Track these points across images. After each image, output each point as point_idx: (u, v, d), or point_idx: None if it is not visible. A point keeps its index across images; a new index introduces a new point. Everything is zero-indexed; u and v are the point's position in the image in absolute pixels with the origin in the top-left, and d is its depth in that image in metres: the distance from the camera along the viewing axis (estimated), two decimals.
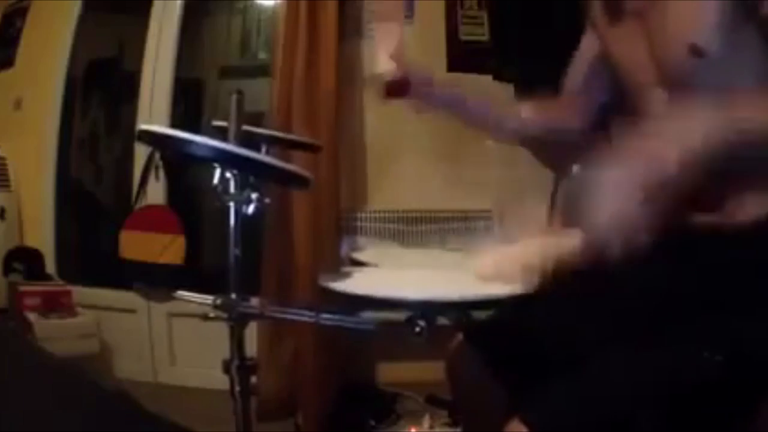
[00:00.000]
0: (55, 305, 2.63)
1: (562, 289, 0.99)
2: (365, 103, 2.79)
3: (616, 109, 1.16)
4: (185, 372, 2.83)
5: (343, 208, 2.64)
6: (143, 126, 0.99)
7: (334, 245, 2.52)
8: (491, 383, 1.02)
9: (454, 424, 2.14)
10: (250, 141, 1.23)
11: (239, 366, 1.07)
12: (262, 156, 1.04)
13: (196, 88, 3.31)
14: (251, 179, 1.05)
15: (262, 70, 3.00)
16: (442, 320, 0.89)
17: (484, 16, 2.76)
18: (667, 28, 0.92)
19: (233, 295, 1.05)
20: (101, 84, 3.34)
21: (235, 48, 3.36)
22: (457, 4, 2.80)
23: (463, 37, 2.80)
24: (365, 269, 1.11)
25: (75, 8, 3.05)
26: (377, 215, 2.69)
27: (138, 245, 2.77)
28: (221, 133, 1.19)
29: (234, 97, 1.17)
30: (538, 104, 1.24)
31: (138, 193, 2.89)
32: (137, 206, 2.89)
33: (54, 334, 2.50)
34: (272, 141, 1.42)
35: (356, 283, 0.92)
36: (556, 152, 1.32)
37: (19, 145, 3.07)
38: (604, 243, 0.78)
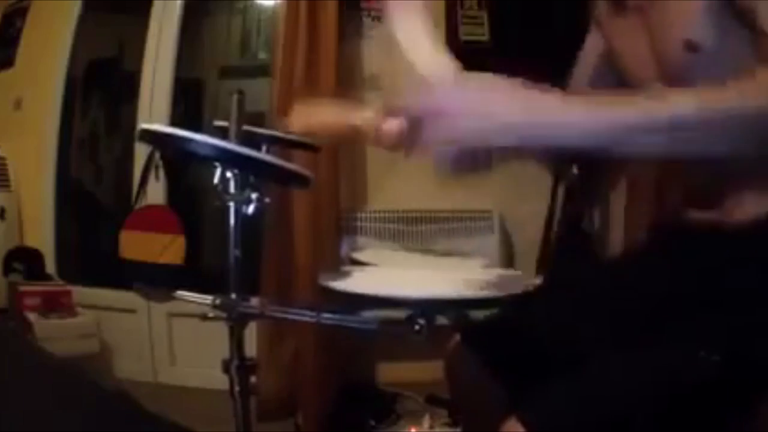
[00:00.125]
0: (55, 305, 2.63)
1: (560, 289, 0.99)
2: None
3: None
4: (185, 372, 2.83)
5: (343, 208, 2.64)
6: (144, 125, 0.99)
7: (334, 245, 2.52)
8: (489, 383, 1.02)
9: (454, 424, 2.14)
10: (250, 141, 1.23)
11: (239, 366, 1.07)
12: (262, 155, 1.04)
13: (196, 88, 3.31)
14: (251, 179, 1.05)
15: (262, 70, 3.00)
16: (442, 319, 0.89)
17: (484, 16, 2.76)
18: (664, 24, 0.93)
19: (233, 295, 1.05)
20: (101, 84, 3.34)
21: (235, 48, 3.36)
22: (457, 4, 2.80)
23: (463, 37, 2.80)
24: (365, 269, 1.11)
25: (75, 8, 3.05)
26: (377, 215, 2.69)
27: (138, 245, 2.77)
28: (222, 133, 1.19)
29: (235, 97, 1.17)
30: None
31: (138, 193, 2.89)
32: (137, 206, 2.89)
33: (54, 334, 2.50)
34: (272, 141, 1.42)
35: (356, 283, 0.92)
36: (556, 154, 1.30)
37: (19, 145, 3.07)
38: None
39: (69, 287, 2.76)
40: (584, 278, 1.07)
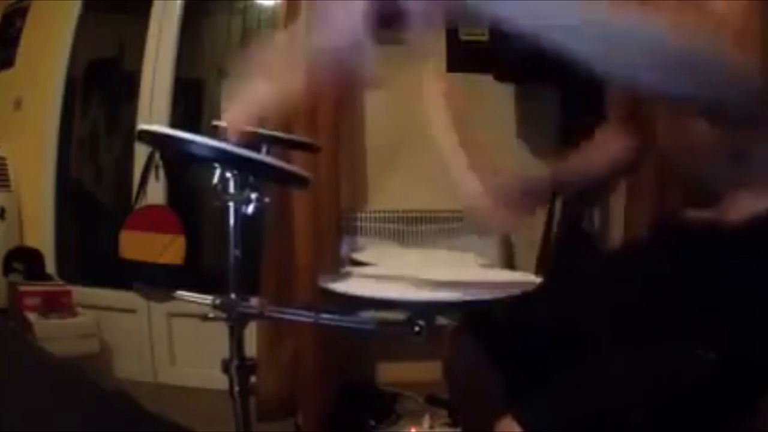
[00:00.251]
0: (55, 305, 2.63)
1: (559, 289, 0.99)
2: (365, 103, 2.79)
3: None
4: (185, 372, 2.83)
5: (343, 208, 2.64)
6: (143, 126, 0.99)
7: (334, 245, 2.52)
8: (487, 379, 1.02)
9: (454, 424, 2.15)
10: (249, 141, 1.23)
11: (239, 366, 1.07)
12: (262, 156, 1.04)
13: (196, 88, 3.31)
14: (251, 179, 1.05)
15: None
16: (441, 320, 0.89)
17: None
18: None
19: (233, 296, 1.05)
20: (101, 84, 3.34)
21: (235, 48, 3.36)
22: None
23: (463, 37, 2.80)
24: (365, 270, 1.11)
25: (75, 8, 3.06)
26: (377, 215, 2.69)
27: (138, 245, 2.77)
28: (221, 133, 1.19)
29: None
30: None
31: (138, 193, 2.90)
32: (137, 206, 2.89)
33: (54, 334, 2.50)
34: (272, 141, 1.42)
35: (356, 285, 0.92)
36: None
37: (19, 145, 3.07)
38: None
39: (69, 287, 2.76)
40: (583, 278, 1.07)
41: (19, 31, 3.15)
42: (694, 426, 0.83)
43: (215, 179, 1.03)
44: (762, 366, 0.84)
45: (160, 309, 2.87)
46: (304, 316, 0.99)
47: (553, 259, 2.40)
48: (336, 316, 0.91)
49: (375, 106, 2.80)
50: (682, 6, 0.74)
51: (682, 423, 0.82)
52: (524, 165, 2.44)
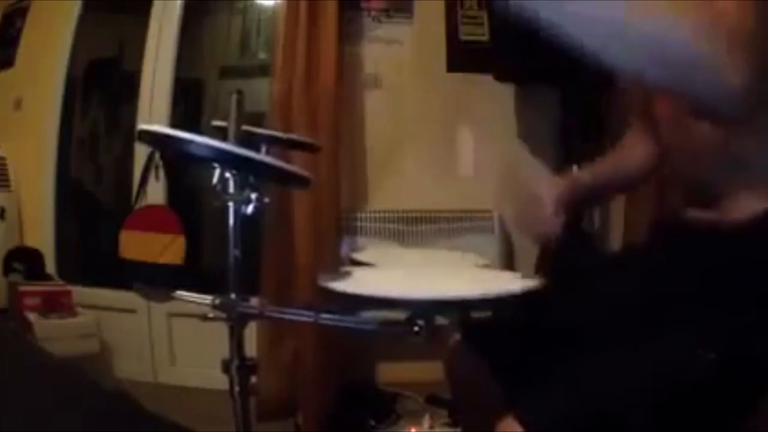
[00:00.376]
0: (55, 305, 2.63)
1: (559, 289, 0.99)
2: (365, 103, 2.80)
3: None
4: (185, 372, 2.83)
5: (343, 208, 2.64)
6: (143, 126, 0.99)
7: (334, 245, 2.52)
8: (488, 380, 1.02)
9: (454, 424, 2.15)
10: (249, 141, 1.23)
11: (239, 366, 1.07)
12: (261, 156, 1.04)
13: (196, 88, 3.31)
14: (251, 179, 1.05)
15: (262, 70, 3.00)
16: (441, 320, 0.89)
17: (484, 16, 2.76)
18: None
19: (233, 295, 1.04)
20: (101, 84, 3.34)
21: (235, 48, 3.36)
22: (457, 4, 2.80)
23: (463, 37, 2.80)
24: (365, 269, 1.11)
25: (75, 8, 3.05)
26: (377, 215, 2.69)
27: (138, 245, 2.77)
28: (221, 133, 1.19)
29: (234, 96, 1.17)
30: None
31: (138, 193, 2.89)
32: (137, 206, 2.89)
33: (54, 334, 2.50)
34: (272, 141, 1.42)
35: (355, 284, 0.92)
36: None
37: (19, 145, 3.07)
38: None
39: (69, 287, 2.76)
40: (583, 278, 1.07)
41: (19, 31, 3.14)
42: (694, 425, 0.83)
43: (215, 179, 1.03)
44: (762, 366, 0.84)
45: (160, 309, 2.86)
46: (304, 316, 0.99)
47: (553, 259, 2.40)
48: (336, 316, 0.91)
49: (375, 106, 2.80)
50: (687, 5, 0.76)
51: (683, 422, 0.82)
52: (524, 165, 2.44)
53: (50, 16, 3.11)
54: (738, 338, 0.83)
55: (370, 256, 1.23)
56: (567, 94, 2.63)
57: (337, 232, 2.57)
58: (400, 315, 0.83)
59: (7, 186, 3.03)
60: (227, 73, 3.36)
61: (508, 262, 2.72)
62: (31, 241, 3.02)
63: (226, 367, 1.07)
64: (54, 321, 2.57)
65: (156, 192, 2.90)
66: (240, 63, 3.33)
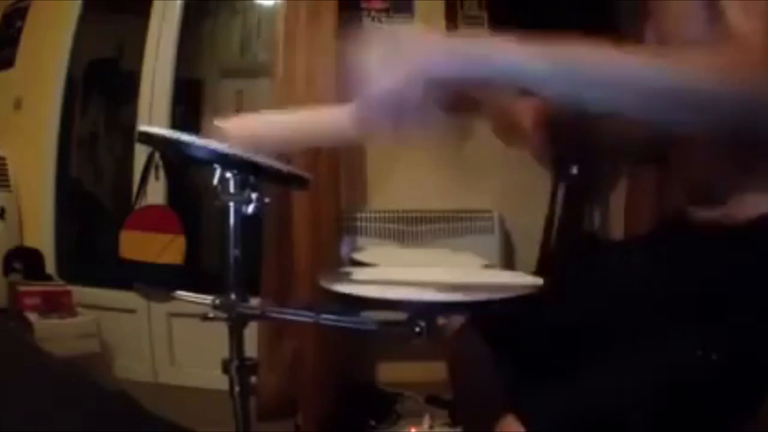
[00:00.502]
0: (55, 305, 2.63)
1: (560, 289, 0.99)
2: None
3: None
4: (185, 372, 2.83)
5: (343, 208, 2.64)
6: (143, 127, 0.99)
7: (334, 245, 2.52)
8: (491, 379, 1.02)
9: (454, 424, 2.14)
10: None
11: (239, 366, 1.07)
12: (261, 157, 1.04)
13: (196, 88, 3.31)
14: (251, 179, 1.05)
15: (262, 70, 3.00)
16: (442, 320, 0.89)
17: (484, 16, 2.76)
18: (669, 27, 0.93)
19: (233, 296, 1.04)
20: (101, 84, 3.34)
21: (235, 48, 3.36)
22: (457, 4, 2.80)
23: None
24: (365, 270, 1.11)
25: (75, 8, 3.05)
26: (377, 215, 2.69)
27: (138, 245, 2.77)
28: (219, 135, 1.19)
29: (234, 96, 1.17)
30: None
31: (138, 193, 2.90)
32: (137, 206, 2.89)
33: (54, 334, 2.50)
34: None
35: (356, 285, 0.92)
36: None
37: (19, 145, 3.07)
38: (372, 119, 0.79)
39: (69, 287, 2.76)
40: (584, 278, 1.07)
41: (19, 31, 3.14)
42: (695, 426, 0.83)
43: (215, 179, 1.03)
44: (763, 366, 0.84)
45: (160, 309, 2.86)
46: (305, 317, 0.99)
47: (553, 259, 2.40)
48: (336, 317, 0.91)
49: None
50: (712, 48, 0.76)
51: (683, 423, 0.82)
52: (524, 164, 2.44)
53: (50, 16, 3.11)
54: (740, 339, 0.83)
55: (370, 256, 1.23)
56: None
57: (337, 232, 2.57)
58: (400, 315, 0.83)
59: (7, 186, 3.03)
60: (227, 73, 3.36)
61: (509, 262, 2.72)
62: (31, 241, 3.02)
63: (226, 367, 1.07)
64: (54, 321, 2.57)
65: (156, 192, 2.90)
66: (240, 63, 3.33)
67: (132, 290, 2.68)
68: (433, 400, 2.36)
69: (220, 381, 1.10)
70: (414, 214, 2.68)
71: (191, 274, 2.73)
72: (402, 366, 2.63)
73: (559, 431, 0.81)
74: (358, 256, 1.21)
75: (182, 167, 2.92)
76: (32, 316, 2.55)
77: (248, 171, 1.04)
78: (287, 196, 2.47)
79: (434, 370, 1.50)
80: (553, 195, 2.55)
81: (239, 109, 2.96)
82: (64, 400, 1.14)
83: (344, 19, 2.64)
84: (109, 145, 3.40)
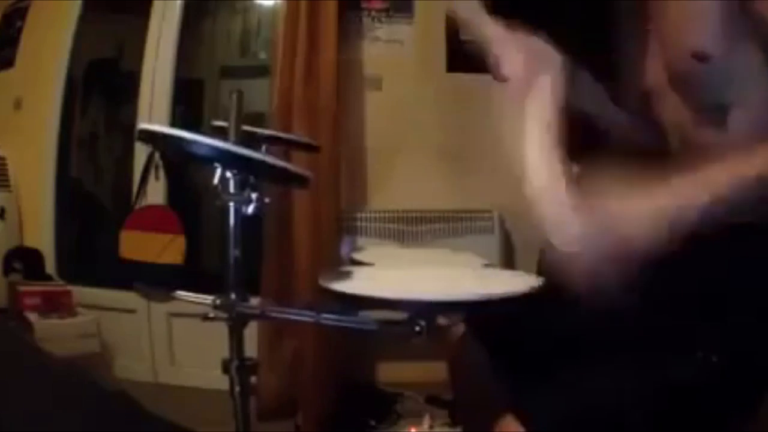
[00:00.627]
0: (55, 305, 2.63)
1: (560, 289, 0.99)
2: (365, 103, 2.80)
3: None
4: (185, 372, 2.83)
5: (343, 208, 2.64)
6: (143, 125, 0.99)
7: (334, 245, 2.52)
8: (491, 379, 1.02)
9: (454, 424, 2.14)
10: (250, 141, 1.23)
11: (239, 366, 1.07)
12: (261, 155, 1.04)
13: (196, 88, 3.31)
14: (251, 179, 1.05)
15: (262, 70, 3.00)
16: (442, 320, 0.89)
17: None
18: (673, 32, 0.92)
19: (233, 295, 1.04)
20: (101, 84, 3.34)
21: (235, 48, 3.36)
22: None
23: (463, 37, 2.80)
24: (365, 269, 1.11)
25: (75, 8, 3.05)
26: (377, 215, 2.69)
27: (138, 245, 2.77)
28: (221, 133, 1.19)
29: (234, 96, 1.17)
30: None
31: (138, 192, 2.89)
32: (137, 206, 2.89)
33: (54, 334, 2.50)
34: (272, 141, 1.42)
35: (356, 284, 0.92)
36: None
37: (19, 145, 3.07)
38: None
39: (69, 287, 2.76)
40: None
41: (19, 31, 3.14)
42: (695, 427, 0.83)
43: (216, 179, 1.03)
44: (763, 366, 0.84)
45: (160, 309, 2.86)
46: (305, 316, 0.99)
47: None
48: (337, 316, 0.91)
49: (375, 106, 2.80)
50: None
51: (684, 423, 0.82)
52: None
53: (50, 16, 3.11)
54: (740, 340, 0.83)
55: (370, 256, 1.22)
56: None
57: (337, 232, 2.57)
58: (400, 315, 0.83)
59: (7, 186, 3.02)
60: (227, 73, 3.36)
61: (509, 263, 2.72)
62: (31, 241, 3.02)
63: (226, 367, 1.07)
64: (54, 321, 2.57)
65: (156, 192, 2.90)
66: (240, 63, 3.33)
67: (132, 290, 2.67)
68: (433, 400, 2.35)
69: (220, 381, 1.10)
70: (414, 214, 2.68)
71: (191, 274, 2.73)
72: (402, 366, 2.63)
73: (559, 431, 0.81)
74: (358, 256, 1.21)
75: (182, 167, 2.92)
76: (32, 316, 2.55)
77: (248, 169, 1.03)
78: (287, 196, 2.47)
79: (434, 370, 1.50)
80: None
81: (239, 108, 2.95)
82: (64, 400, 1.14)
83: (344, 19, 2.64)
84: (109, 145, 3.40)
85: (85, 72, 3.23)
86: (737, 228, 0.90)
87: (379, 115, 2.80)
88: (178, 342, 2.90)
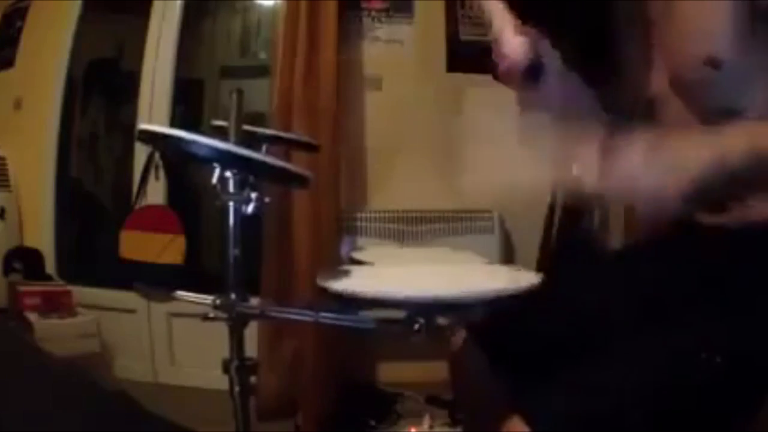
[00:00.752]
0: (55, 305, 2.63)
1: (560, 289, 0.99)
2: (365, 103, 2.80)
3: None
4: (185, 372, 2.83)
5: (343, 208, 2.64)
6: (144, 125, 0.99)
7: (334, 245, 2.52)
8: (493, 379, 1.02)
9: (454, 424, 2.14)
10: (250, 141, 1.23)
11: (239, 366, 1.07)
12: (262, 155, 1.04)
13: (196, 88, 3.31)
14: (251, 179, 1.05)
15: (262, 70, 3.00)
16: (442, 319, 0.89)
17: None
18: (681, 38, 0.90)
19: (233, 295, 1.04)
20: (101, 84, 3.34)
21: (235, 48, 3.36)
22: (457, 4, 2.80)
23: (463, 37, 2.80)
24: (364, 268, 1.11)
25: (75, 8, 3.05)
26: (377, 215, 2.69)
27: (138, 245, 2.77)
28: (221, 133, 1.19)
29: (234, 96, 1.17)
30: None
31: (138, 192, 2.89)
32: (137, 206, 2.89)
33: (54, 334, 2.50)
34: (272, 141, 1.42)
35: (355, 283, 0.92)
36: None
37: (19, 145, 3.07)
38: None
39: (69, 287, 2.76)
40: (585, 278, 1.07)
41: (19, 31, 3.14)
42: (699, 426, 0.82)
43: (215, 179, 1.03)
44: (764, 366, 0.84)
45: (160, 309, 2.86)
46: (305, 316, 0.99)
47: (553, 259, 2.40)
48: (336, 315, 0.91)
49: (375, 106, 2.80)
50: None
51: (688, 423, 0.82)
52: (525, 165, 2.43)
53: (50, 16, 3.11)
54: (744, 341, 0.83)
55: (370, 256, 1.22)
56: None
57: (337, 232, 2.57)
58: (400, 314, 0.83)
59: (7, 186, 3.02)
60: (227, 73, 3.36)
61: (509, 262, 2.72)
62: (31, 241, 3.02)
63: (226, 367, 1.07)
64: (54, 321, 2.57)
65: (156, 192, 2.90)
66: (240, 63, 3.33)
67: (132, 290, 2.68)
68: (433, 400, 2.35)
69: (220, 381, 1.10)
70: (414, 214, 2.68)
71: (191, 274, 2.73)
72: (402, 366, 2.63)
73: (563, 431, 0.81)
74: (358, 256, 1.21)
75: (182, 167, 2.92)
76: (32, 316, 2.55)
77: (248, 169, 1.03)
78: (287, 196, 2.47)
79: (434, 370, 1.50)
80: (553, 195, 2.55)
81: (239, 108, 2.95)
82: (64, 400, 1.14)
83: (344, 19, 2.64)
84: (109, 145, 3.40)
85: (85, 72, 3.23)
86: (740, 228, 0.90)
87: (379, 115, 2.80)
88: (178, 342, 2.90)
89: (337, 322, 0.92)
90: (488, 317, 1.05)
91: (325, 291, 0.86)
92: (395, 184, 2.78)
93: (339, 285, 0.87)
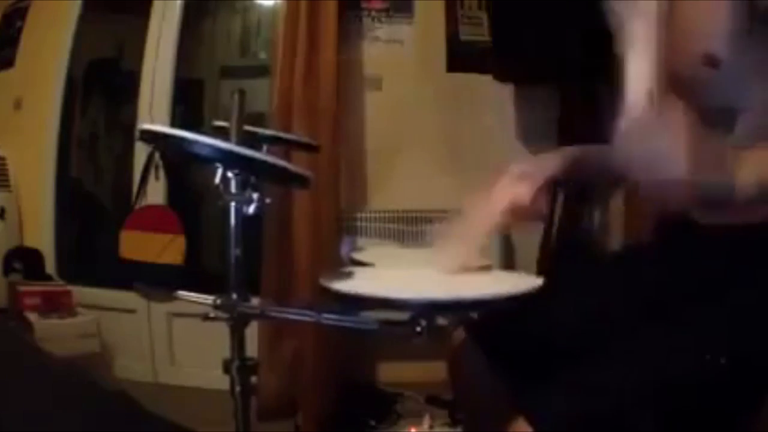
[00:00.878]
0: (55, 305, 2.63)
1: (561, 289, 0.99)
2: (365, 103, 2.80)
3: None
4: (185, 372, 2.83)
5: (343, 208, 2.64)
6: (144, 125, 0.99)
7: (334, 245, 2.52)
8: (493, 380, 1.02)
9: (454, 424, 2.14)
10: (250, 141, 1.23)
11: (239, 366, 1.07)
12: (262, 155, 1.04)
13: (196, 88, 3.31)
14: (252, 179, 1.05)
15: (262, 70, 3.00)
16: (443, 320, 0.89)
17: (484, 16, 2.76)
18: (678, 37, 0.91)
19: (233, 295, 1.04)
20: (101, 84, 3.34)
21: (235, 48, 3.36)
22: (457, 4, 2.80)
23: (463, 37, 2.80)
24: (366, 270, 1.11)
25: (75, 8, 3.05)
26: (377, 215, 2.69)
27: (138, 245, 2.77)
28: (222, 133, 1.19)
29: (235, 96, 1.17)
30: None
31: (138, 192, 2.89)
32: (137, 206, 2.89)
33: (54, 334, 2.50)
34: (272, 141, 1.42)
35: (357, 285, 0.92)
36: None
37: (19, 145, 3.07)
38: None
39: (69, 287, 2.76)
40: (585, 278, 1.07)
41: (19, 31, 3.14)
42: (703, 426, 0.82)
43: (217, 179, 1.03)
44: (765, 367, 0.84)
45: (160, 309, 2.86)
46: (305, 316, 0.99)
47: (553, 259, 2.40)
48: (337, 316, 0.91)
49: (375, 106, 2.80)
50: None
51: (692, 423, 0.82)
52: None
53: (50, 16, 3.11)
54: (744, 341, 0.83)
55: (371, 256, 1.22)
56: (566, 94, 2.63)
57: (337, 232, 2.57)
58: (401, 315, 0.83)
59: (7, 186, 3.02)
60: (227, 73, 3.37)
61: (509, 262, 2.72)
62: (31, 241, 3.02)
63: (226, 367, 1.07)
64: (54, 321, 2.57)
65: (156, 192, 2.90)
66: (240, 63, 3.33)
67: (132, 290, 2.68)
68: (433, 400, 2.35)
69: (220, 381, 1.10)
70: (414, 214, 2.68)
71: (191, 274, 2.73)
72: (402, 366, 2.63)
73: (566, 431, 0.81)
74: (359, 256, 1.21)
75: (182, 167, 2.92)
76: (32, 316, 2.55)
77: (250, 169, 1.03)
78: (288, 197, 2.47)
79: (434, 370, 1.50)
80: (553, 195, 2.55)
81: (241, 108, 2.95)
82: (64, 400, 1.14)
83: (344, 19, 2.64)
84: (109, 145, 3.40)
85: (85, 72, 3.23)
86: (740, 228, 0.90)
87: (379, 115, 2.80)
88: (178, 342, 2.90)
89: (340, 323, 0.92)
90: (488, 317, 1.05)
91: (328, 291, 0.85)
92: (395, 184, 2.78)
93: (342, 286, 0.87)
